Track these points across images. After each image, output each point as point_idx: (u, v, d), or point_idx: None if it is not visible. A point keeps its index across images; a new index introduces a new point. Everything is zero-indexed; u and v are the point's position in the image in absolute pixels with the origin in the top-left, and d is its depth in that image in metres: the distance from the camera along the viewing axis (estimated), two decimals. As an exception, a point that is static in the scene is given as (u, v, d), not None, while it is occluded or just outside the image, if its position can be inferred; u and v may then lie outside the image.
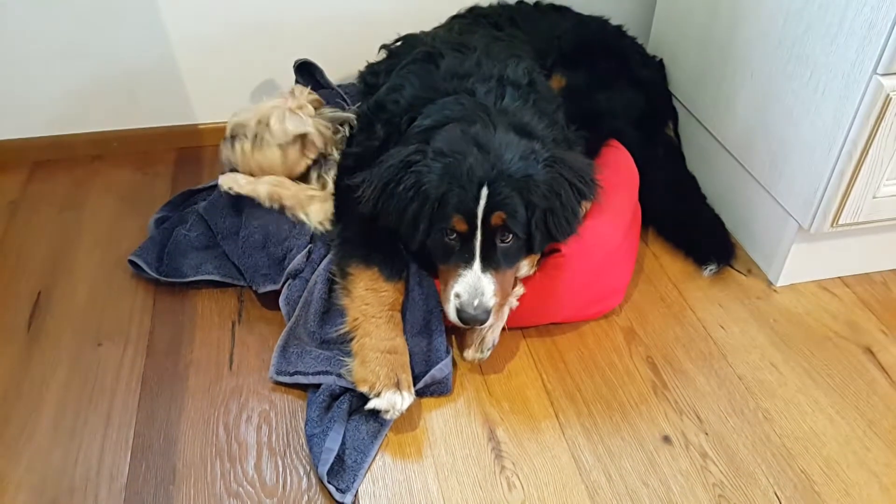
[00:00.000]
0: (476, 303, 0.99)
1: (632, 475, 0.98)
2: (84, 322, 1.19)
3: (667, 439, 1.03)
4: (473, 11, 1.40)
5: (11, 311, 1.21)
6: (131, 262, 1.25)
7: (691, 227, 1.36)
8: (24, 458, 0.99)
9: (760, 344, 1.18)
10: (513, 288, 1.08)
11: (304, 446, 1.00)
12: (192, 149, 1.59)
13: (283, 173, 1.27)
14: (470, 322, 1.01)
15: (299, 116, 1.26)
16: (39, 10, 1.39)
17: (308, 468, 0.98)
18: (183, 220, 1.30)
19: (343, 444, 0.98)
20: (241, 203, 1.24)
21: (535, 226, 1.00)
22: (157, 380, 1.09)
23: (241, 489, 0.95)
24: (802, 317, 1.23)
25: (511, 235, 1.01)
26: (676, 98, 1.51)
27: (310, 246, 1.15)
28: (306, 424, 1.01)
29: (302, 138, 1.26)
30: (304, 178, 1.31)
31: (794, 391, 1.10)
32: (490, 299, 0.99)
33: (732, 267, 1.31)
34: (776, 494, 0.97)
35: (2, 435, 1.01)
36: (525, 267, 1.08)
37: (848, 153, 1.08)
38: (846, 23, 1.04)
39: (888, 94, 1.01)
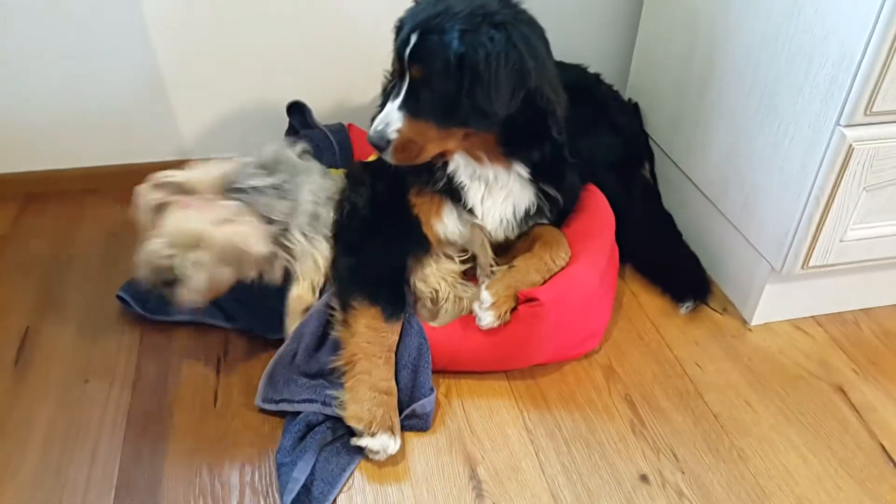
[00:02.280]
0: (380, 128, 1.08)
1: (609, 514, 1.00)
2: (72, 358, 1.19)
3: (644, 478, 1.05)
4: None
5: (-1, 346, 1.22)
6: (119, 297, 1.26)
7: (668, 264, 1.40)
8: (7, 495, 0.99)
9: (735, 382, 1.20)
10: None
11: (280, 495, 1.00)
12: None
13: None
14: (372, 143, 1.09)
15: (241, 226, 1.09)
16: (33, 46, 1.41)
17: (292, 508, 0.98)
18: None
19: (312, 474, 1.00)
20: None
21: (463, 92, 1.02)
22: (143, 418, 1.10)
23: (224, 529, 0.96)
24: (776, 355, 1.25)
25: (429, 90, 1.05)
26: (653, 140, 1.55)
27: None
28: (278, 452, 1.03)
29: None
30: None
31: (768, 429, 1.12)
32: (392, 133, 1.07)
33: (708, 305, 1.34)
34: (751, 533, 0.99)
35: (-13, 472, 1.02)
36: (488, 316, 1.10)
37: (815, 199, 1.11)
38: (811, 76, 1.08)
39: (850, 145, 1.05)
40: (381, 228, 1.20)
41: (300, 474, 0.99)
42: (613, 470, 1.05)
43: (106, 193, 1.58)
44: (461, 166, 1.16)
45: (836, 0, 1.02)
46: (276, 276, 1.15)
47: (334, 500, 0.99)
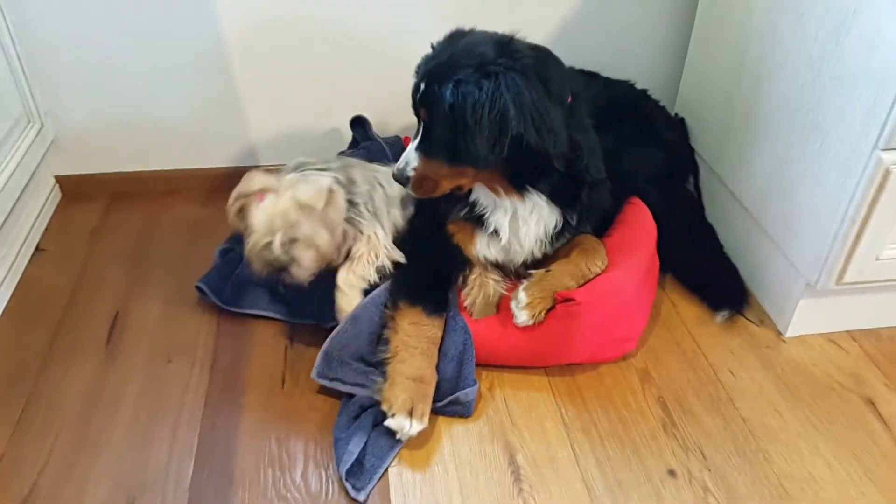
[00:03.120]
0: (401, 166, 1.22)
1: (638, 503, 1.09)
2: (156, 340, 1.35)
3: (672, 473, 1.13)
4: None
5: (93, 327, 1.38)
6: (198, 287, 1.41)
7: (707, 274, 1.47)
8: (102, 458, 1.14)
9: (766, 390, 1.27)
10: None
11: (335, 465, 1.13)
12: None
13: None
14: (395, 179, 1.24)
15: (302, 184, 1.22)
16: (124, 60, 1.58)
17: (347, 481, 1.11)
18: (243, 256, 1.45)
19: (364, 449, 1.12)
20: None
21: (458, 137, 1.12)
22: (219, 395, 1.24)
23: (289, 494, 1.09)
24: (808, 367, 1.32)
25: (436, 134, 1.16)
26: (699, 154, 1.62)
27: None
28: (335, 428, 1.16)
29: (329, 195, 1.23)
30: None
31: (795, 436, 1.19)
32: (410, 171, 1.21)
33: (744, 316, 1.41)
34: (771, 530, 1.06)
35: (85, 435, 1.17)
36: (523, 315, 1.21)
37: (851, 218, 1.17)
38: (853, 99, 1.14)
39: (888, 168, 1.11)
40: (429, 250, 1.32)
41: (354, 448, 1.12)
42: (644, 465, 1.14)
43: (184, 194, 1.75)
44: (482, 196, 1.27)
45: (881, 28, 1.08)
46: (341, 254, 1.28)
47: (384, 473, 1.12)
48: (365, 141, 1.63)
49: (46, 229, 1.64)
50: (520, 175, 1.20)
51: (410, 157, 1.21)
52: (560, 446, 1.17)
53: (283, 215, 1.17)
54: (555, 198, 1.23)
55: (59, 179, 1.72)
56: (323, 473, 1.12)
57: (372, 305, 1.24)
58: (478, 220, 1.28)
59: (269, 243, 1.17)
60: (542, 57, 1.16)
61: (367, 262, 1.29)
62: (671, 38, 1.71)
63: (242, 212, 1.21)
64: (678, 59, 1.71)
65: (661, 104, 1.62)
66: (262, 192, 1.19)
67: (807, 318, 1.35)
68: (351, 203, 1.28)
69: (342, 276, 1.28)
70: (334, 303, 1.26)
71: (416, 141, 1.20)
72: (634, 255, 1.30)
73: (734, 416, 1.22)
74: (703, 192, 1.61)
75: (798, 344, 1.36)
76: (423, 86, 1.15)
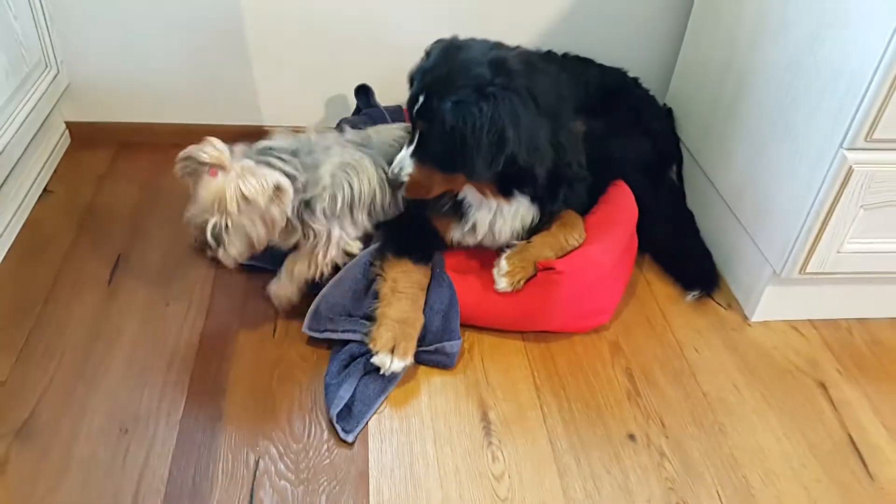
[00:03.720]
0: (396, 171, 1.27)
1: (598, 463, 1.17)
2: (155, 284, 1.42)
3: (632, 437, 1.22)
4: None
5: (95, 267, 1.45)
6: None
7: (683, 256, 1.56)
8: (100, 389, 1.22)
9: (727, 368, 1.36)
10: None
11: (326, 409, 1.21)
12: None
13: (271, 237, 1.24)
14: (390, 182, 1.30)
15: (250, 176, 1.14)
16: (142, 13, 1.63)
17: (330, 425, 1.18)
18: None
19: (353, 395, 1.21)
20: None
21: (456, 153, 1.19)
22: (213, 338, 1.32)
23: (273, 433, 1.17)
24: (769, 350, 1.40)
25: (432, 144, 1.22)
26: (684, 144, 1.70)
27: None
28: (326, 375, 1.24)
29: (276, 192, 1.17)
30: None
31: (750, 411, 1.28)
32: (404, 176, 1.26)
33: (713, 298, 1.50)
34: (718, 493, 1.14)
35: (84, 367, 1.25)
36: (503, 282, 1.29)
37: (816, 212, 1.26)
38: (823, 102, 1.22)
39: (851, 166, 1.19)
40: (413, 225, 1.39)
41: (345, 393, 1.20)
42: (606, 427, 1.23)
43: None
44: (468, 195, 1.32)
45: (851, 37, 1.16)
46: (289, 243, 1.29)
47: (369, 419, 1.20)
48: (367, 108, 1.69)
49: (55, 172, 1.70)
50: (509, 182, 1.27)
51: (405, 163, 1.26)
52: (530, 406, 1.25)
53: (224, 201, 1.14)
54: (536, 196, 1.31)
55: (69, 125, 1.78)
56: (307, 417, 1.20)
57: (356, 266, 1.31)
58: (459, 214, 1.35)
59: (205, 221, 1.16)
60: (532, 72, 1.21)
61: (311, 263, 1.31)
62: (667, 31, 1.77)
63: (193, 176, 1.19)
64: (672, 51, 1.78)
65: (651, 93, 1.69)
66: (214, 168, 1.16)
67: (772, 305, 1.44)
68: (307, 205, 1.24)
69: (287, 265, 1.33)
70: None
71: (411, 147, 1.26)
72: (614, 233, 1.38)
73: (695, 390, 1.31)
74: (685, 180, 1.68)
75: (762, 328, 1.45)
76: (421, 98, 1.20)
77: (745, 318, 1.47)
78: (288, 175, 1.19)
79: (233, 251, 1.19)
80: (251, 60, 1.72)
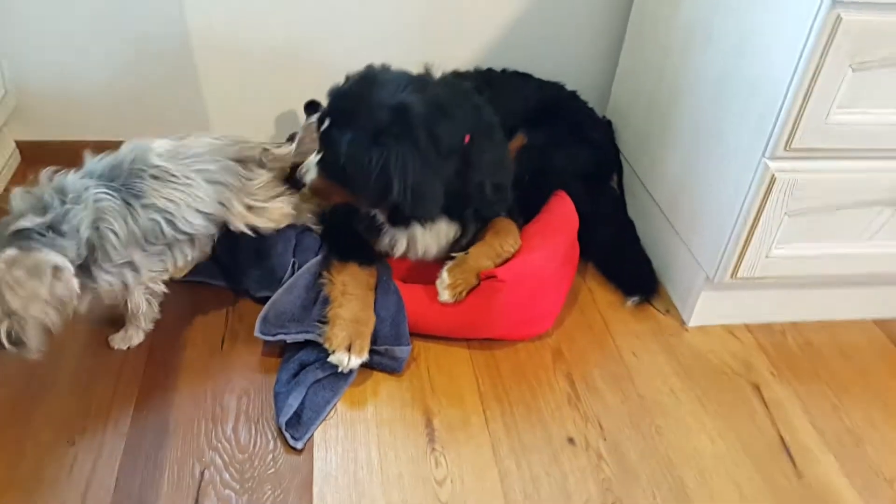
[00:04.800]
0: (303, 171, 1.36)
1: (538, 465, 1.22)
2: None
3: (571, 441, 1.27)
4: (456, 74, 1.65)
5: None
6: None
7: (623, 262, 1.62)
8: (46, 402, 1.24)
9: (664, 372, 1.41)
10: None
11: (275, 417, 1.24)
12: None
13: None
14: (297, 177, 1.38)
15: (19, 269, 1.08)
16: (91, 28, 1.66)
17: (275, 435, 1.22)
18: None
19: (302, 403, 1.25)
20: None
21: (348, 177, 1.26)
22: (161, 351, 1.35)
23: (219, 444, 1.20)
24: (705, 353, 1.47)
25: (331, 164, 1.29)
26: (624, 154, 1.77)
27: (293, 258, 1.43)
28: (276, 384, 1.28)
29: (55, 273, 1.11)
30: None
31: (686, 413, 1.34)
32: (307, 179, 1.35)
33: (652, 304, 1.56)
34: (654, 493, 1.19)
35: (29, 382, 1.27)
36: (446, 294, 1.35)
37: (743, 219, 1.32)
38: (746, 112, 1.29)
39: (773, 174, 1.26)
40: (353, 233, 1.44)
41: (294, 401, 1.24)
42: (546, 431, 1.28)
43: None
44: (378, 215, 1.38)
45: (768, 49, 1.23)
46: (108, 301, 1.26)
47: (318, 426, 1.24)
48: (318, 124, 1.74)
49: (5, 190, 1.71)
50: (397, 215, 1.33)
51: (311, 169, 1.34)
52: (473, 412, 1.30)
53: (6, 303, 1.07)
54: (451, 215, 1.37)
55: (19, 144, 1.79)
56: (253, 427, 1.23)
57: (307, 275, 1.36)
58: (376, 229, 1.41)
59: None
60: (438, 117, 1.24)
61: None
62: (605, 45, 1.85)
63: None
64: (612, 65, 1.85)
65: (590, 105, 1.76)
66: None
67: (707, 310, 1.50)
68: (81, 269, 1.16)
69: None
70: (268, 275, 1.41)
71: (319, 157, 1.32)
72: (554, 242, 1.43)
73: (632, 394, 1.37)
74: (625, 189, 1.75)
75: (699, 333, 1.51)
76: (326, 122, 1.27)
77: (683, 323, 1.53)
78: (58, 251, 1.12)
79: (34, 345, 1.12)
80: (199, 77, 1.76)
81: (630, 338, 1.48)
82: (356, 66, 1.33)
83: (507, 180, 1.42)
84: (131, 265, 1.23)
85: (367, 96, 1.24)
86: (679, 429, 1.31)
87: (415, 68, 1.46)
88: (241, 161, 1.34)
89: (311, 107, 1.74)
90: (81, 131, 1.80)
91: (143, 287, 1.28)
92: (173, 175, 1.24)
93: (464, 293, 1.35)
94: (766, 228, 1.33)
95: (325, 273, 1.38)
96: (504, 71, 1.74)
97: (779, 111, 1.21)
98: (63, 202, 1.16)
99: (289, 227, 1.44)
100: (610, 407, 1.34)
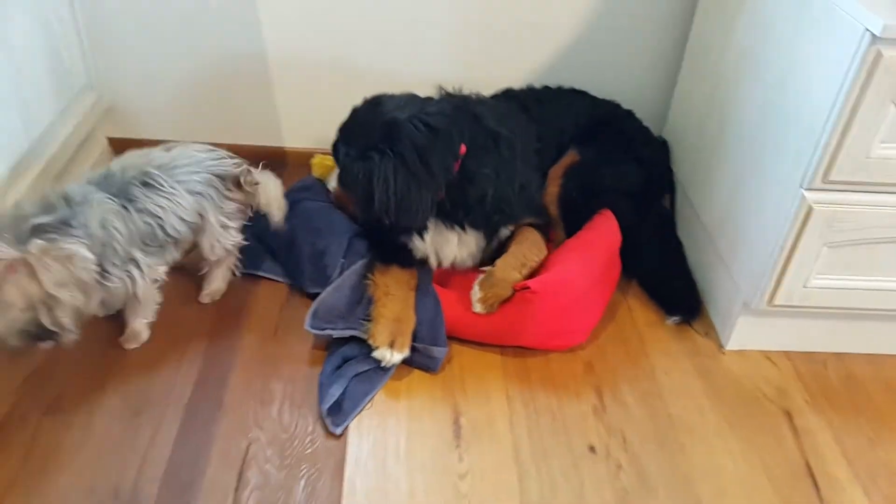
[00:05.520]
0: (328, 179, 1.68)
1: (556, 470, 1.32)
2: (172, 283, 1.55)
3: (592, 449, 1.36)
4: (507, 93, 1.79)
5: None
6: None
7: (668, 282, 1.69)
8: (117, 377, 1.43)
9: (695, 392, 1.48)
10: None
11: (317, 404, 1.39)
12: (278, 167, 2.00)
13: None
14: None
15: (50, 258, 1.21)
16: (169, 38, 1.88)
17: (315, 419, 1.37)
18: (256, 224, 1.68)
19: (343, 393, 1.39)
20: (292, 221, 1.63)
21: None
22: (222, 335, 1.53)
23: (265, 424, 1.36)
24: (739, 377, 1.52)
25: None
26: (676, 175, 1.84)
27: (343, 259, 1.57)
28: (321, 374, 1.44)
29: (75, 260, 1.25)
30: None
31: (712, 433, 1.40)
32: (331, 187, 1.68)
33: (692, 326, 1.62)
34: (668, 506, 1.28)
35: (104, 354, 1.47)
36: (478, 306, 1.47)
37: (780, 247, 1.38)
38: (787, 143, 1.35)
39: (810, 206, 1.31)
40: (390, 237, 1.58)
41: (336, 391, 1.39)
42: (569, 438, 1.37)
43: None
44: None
45: (811, 82, 1.29)
46: (116, 299, 1.39)
47: (356, 415, 1.39)
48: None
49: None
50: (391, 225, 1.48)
51: (333, 179, 1.62)
52: (499, 414, 1.41)
53: (40, 289, 1.21)
54: (473, 225, 1.52)
55: (111, 141, 2.04)
56: (296, 411, 1.39)
57: (353, 275, 1.51)
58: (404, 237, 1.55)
59: (32, 318, 1.23)
60: (430, 136, 1.40)
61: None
62: (665, 66, 1.94)
63: None
64: (670, 86, 1.93)
65: (646, 125, 1.84)
66: (11, 266, 1.20)
67: (746, 334, 1.56)
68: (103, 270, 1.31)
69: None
70: (320, 274, 1.57)
71: (338, 173, 1.54)
72: (592, 257, 1.53)
73: (660, 411, 1.44)
74: (676, 210, 1.82)
75: (736, 357, 1.57)
76: (336, 139, 1.49)
77: (721, 346, 1.59)
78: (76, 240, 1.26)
79: (71, 329, 1.28)
80: (273, 87, 1.96)
81: (664, 357, 1.56)
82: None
83: (511, 192, 1.53)
84: (135, 262, 1.38)
85: (365, 118, 1.46)
86: (703, 447, 1.38)
87: (474, 86, 1.61)
88: (222, 178, 1.47)
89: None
90: (166, 131, 2.02)
91: (149, 280, 1.42)
92: (161, 184, 1.39)
93: (495, 305, 1.47)
94: (804, 258, 1.39)
95: (369, 275, 1.52)
96: (560, 88, 1.84)
97: (816, 143, 1.27)
98: (69, 205, 1.30)
99: (343, 230, 1.60)
100: (635, 421, 1.42)
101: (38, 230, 1.24)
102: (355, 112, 1.50)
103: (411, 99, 1.47)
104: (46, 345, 1.29)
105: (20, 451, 1.28)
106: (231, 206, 1.50)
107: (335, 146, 1.51)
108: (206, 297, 1.59)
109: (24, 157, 1.60)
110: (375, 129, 1.41)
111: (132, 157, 1.43)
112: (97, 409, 1.37)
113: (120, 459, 1.28)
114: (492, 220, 1.54)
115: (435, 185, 1.41)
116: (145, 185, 1.38)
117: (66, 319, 1.27)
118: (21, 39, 1.59)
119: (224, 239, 1.50)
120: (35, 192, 1.58)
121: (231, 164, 1.49)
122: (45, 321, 1.24)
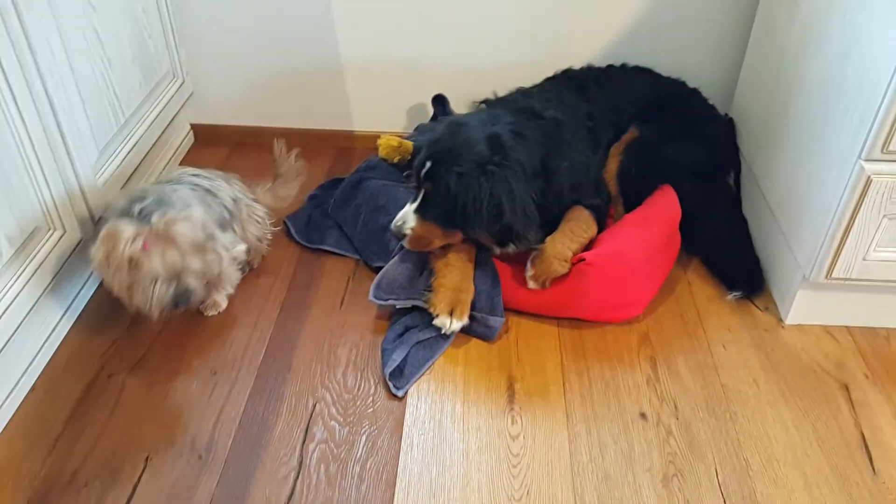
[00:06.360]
0: (399, 224, 1.58)
1: (606, 433, 1.41)
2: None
3: (643, 416, 1.44)
4: (566, 73, 1.88)
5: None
6: (284, 223, 1.88)
7: (731, 257, 1.75)
8: (195, 340, 1.61)
9: (751, 364, 1.54)
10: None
11: (379, 369, 1.53)
12: (347, 149, 2.24)
13: None
14: (393, 234, 1.60)
15: (178, 225, 1.39)
16: (249, 32, 2.06)
17: (377, 382, 1.51)
18: (325, 202, 1.90)
19: (405, 359, 1.53)
20: (358, 198, 1.80)
21: (457, 216, 1.49)
22: (292, 305, 1.69)
23: (330, 385, 1.51)
24: (798, 350, 1.57)
25: (436, 204, 1.52)
26: (742, 153, 1.89)
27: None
28: (383, 341, 1.58)
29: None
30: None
31: (765, 403, 1.47)
32: (407, 229, 1.57)
33: (753, 301, 1.68)
34: (716, 471, 1.34)
35: (187, 320, 1.65)
36: (531, 283, 1.58)
37: (838, 220, 1.42)
38: (847, 115, 1.40)
39: (869, 176, 1.36)
40: None
41: (398, 357, 1.53)
42: (620, 405, 1.46)
43: (290, 149, 2.20)
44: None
45: (872, 54, 1.33)
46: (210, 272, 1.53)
47: (416, 379, 1.52)
48: (443, 115, 2.02)
49: (180, 164, 2.16)
50: (503, 239, 1.57)
51: (408, 218, 1.57)
52: (553, 382, 1.51)
53: (177, 254, 1.40)
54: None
55: (193, 126, 2.25)
56: (359, 374, 1.53)
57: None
58: None
59: (178, 283, 1.43)
60: (522, 144, 1.50)
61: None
62: (731, 45, 1.99)
63: (132, 262, 1.38)
64: (736, 64, 1.98)
65: (711, 103, 1.89)
66: (145, 243, 1.37)
67: (805, 309, 1.60)
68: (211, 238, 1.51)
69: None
70: (383, 248, 1.71)
71: (416, 204, 1.57)
72: (650, 231, 1.61)
73: (714, 381, 1.51)
74: (742, 187, 1.87)
75: (795, 331, 1.62)
76: (428, 164, 1.52)
77: (780, 320, 1.64)
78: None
79: (200, 294, 1.49)
80: (344, 74, 2.12)
81: (722, 331, 1.62)
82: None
83: (582, 177, 1.63)
84: (217, 240, 1.54)
85: (462, 137, 1.52)
86: (755, 417, 1.44)
87: (537, 68, 1.70)
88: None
89: (438, 100, 2.03)
90: (245, 117, 2.23)
91: (230, 256, 1.60)
92: (207, 176, 1.66)
93: (548, 282, 1.57)
94: (863, 230, 1.43)
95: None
96: (623, 66, 1.92)
97: (876, 113, 1.31)
98: (155, 194, 1.48)
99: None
100: (688, 391, 1.49)
101: (144, 212, 1.43)
102: (440, 138, 1.55)
103: (484, 114, 1.59)
104: (179, 310, 1.48)
105: (108, 406, 1.47)
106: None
107: (431, 173, 1.50)
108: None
109: (113, 137, 1.81)
110: (481, 144, 1.49)
111: (169, 177, 1.66)
112: (178, 369, 1.55)
113: (198, 414, 1.45)
114: (564, 206, 1.63)
115: (534, 189, 1.52)
116: (194, 185, 1.62)
117: (196, 284, 1.47)
118: (111, 32, 1.78)
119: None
120: (124, 173, 1.79)
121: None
122: (184, 286, 1.44)
